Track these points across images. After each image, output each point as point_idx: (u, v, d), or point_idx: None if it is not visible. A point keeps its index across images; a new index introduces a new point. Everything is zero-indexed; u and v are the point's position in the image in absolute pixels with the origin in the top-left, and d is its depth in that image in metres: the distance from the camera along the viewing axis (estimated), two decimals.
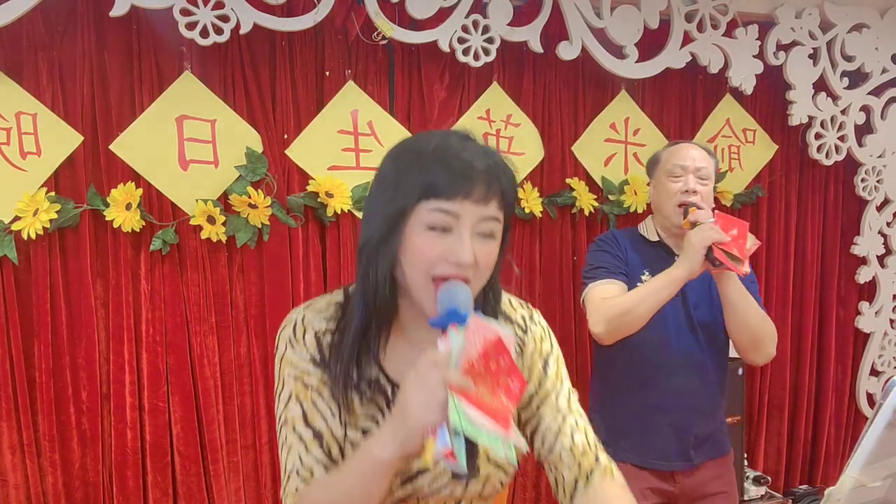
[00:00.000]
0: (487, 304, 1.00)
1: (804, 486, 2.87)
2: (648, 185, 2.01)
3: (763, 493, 2.67)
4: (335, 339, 0.97)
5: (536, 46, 2.23)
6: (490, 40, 2.17)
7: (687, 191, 1.83)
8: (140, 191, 1.95)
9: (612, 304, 1.76)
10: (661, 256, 1.88)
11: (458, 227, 0.89)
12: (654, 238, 1.93)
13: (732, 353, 1.93)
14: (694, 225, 1.74)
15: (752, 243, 1.73)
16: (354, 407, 0.97)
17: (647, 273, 1.86)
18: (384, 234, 0.91)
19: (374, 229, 0.92)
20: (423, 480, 0.98)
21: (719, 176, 2.60)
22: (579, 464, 1.05)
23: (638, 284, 1.83)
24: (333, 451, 0.96)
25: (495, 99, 2.30)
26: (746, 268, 1.69)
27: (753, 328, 1.79)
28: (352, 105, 2.14)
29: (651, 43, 2.40)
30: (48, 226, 1.87)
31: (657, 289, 1.71)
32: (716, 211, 1.78)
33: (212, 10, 1.88)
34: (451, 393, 0.80)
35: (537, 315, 1.12)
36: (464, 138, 0.94)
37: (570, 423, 1.06)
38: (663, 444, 1.87)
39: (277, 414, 1.01)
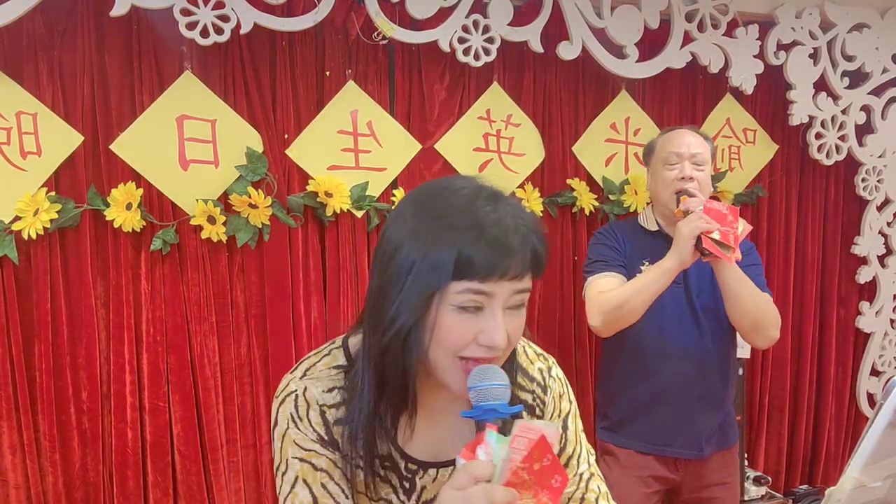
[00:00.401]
0: (505, 369, 0.86)
1: (804, 487, 2.87)
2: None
3: (763, 493, 2.67)
4: (344, 415, 0.88)
5: (537, 46, 2.23)
6: (490, 40, 2.17)
7: (683, 178, 1.83)
8: (140, 191, 1.95)
9: (607, 298, 1.79)
10: (660, 245, 1.87)
11: (489, 305, 0.81)
12: (654, 227, 1.94)
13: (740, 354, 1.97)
14: (686, 214, 1.75)
15: (742, 228, 1.73)
16: (365, 490, 0.90)
17: (646, 263, 1.87)
18: (412, 307, 0.81)
19: (396, 299, 0.82)
20: None
21: (719, 175, 2.60)
22: None
23: (637, 275, 1.84)
24: None
25: (495, 99, 2.30)
26: (738, 254, 1.70)
27: (753, 313, 1.79)
28: (352, 105, 2.14)
29: (651, 43, 2.40)
30: (48, 226, 1.87)
31: (650, 281, 1.73)
32: (706, 200, 1.78)
33: (212, 9, 1.88)
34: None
35: (555, 368, 1.05)
36: (494, 199, 0.83)
37: (592, 488, 1.01)
38: (668, 433, 1.88)
39: (281, 494, 0.91)
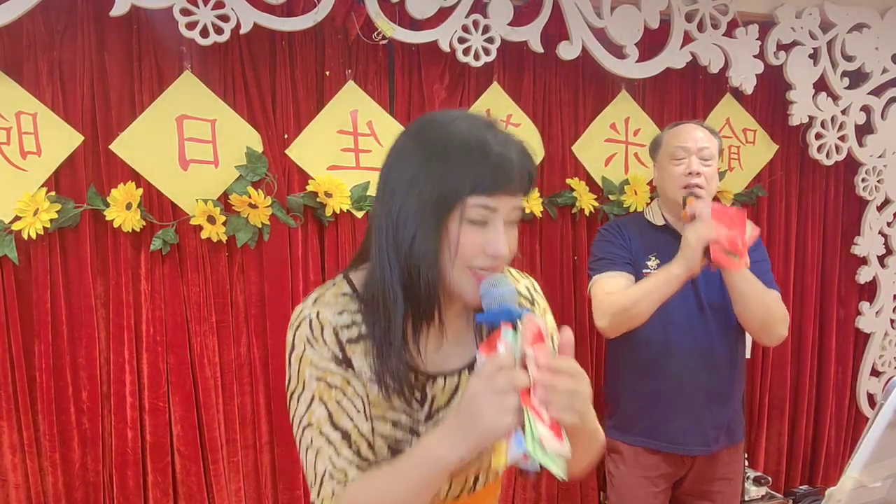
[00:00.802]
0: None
1: (805, 487, 2.87)
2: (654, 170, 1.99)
3: (763, 493, 2.67)
4: (361, 333, 0.96)
5: (537, 46, 2.23)
6: (490, 40, 2.17)
7: (690, 173, 1.81)
8: (140, 190, 1.95)
9: (614, 301, 1.78)
10: (667, 240, 1.87)
11: (493, 219, 0.92)
12: (660, 222, 1.92)
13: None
14: (692, 217, 1.73)
15: (750, 232, 1.70)
16: (380, 401, 0.96)
17: (653, 258, 1.86)
18: (430, 227, 0.90)
19: (414, 222, 0.91)
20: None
21: (720, 175, 2.60)
22: None
23: (644, 272, 1.84)
24: (363, 449, 0.95)
25: (495, 99, 2.30)
26: (746, 261, 1.68)
27: (761, 313, 1.78)
28: (352, 105, 2.14)
29: (651, 43, 2.40)
30: (48, 225, 1.87)
31: (658, 285, 1.71)
32: (713, 204, 1.76)
33: (212, 9, 1.88)
34: (523, 403, 0.81)
35: (536, 284, 1.16)
36: (490, 126, 0.95)
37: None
38: (676, 430, 1.87)
39: (297, 415, 0.96)
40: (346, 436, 0.94)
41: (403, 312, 0.94)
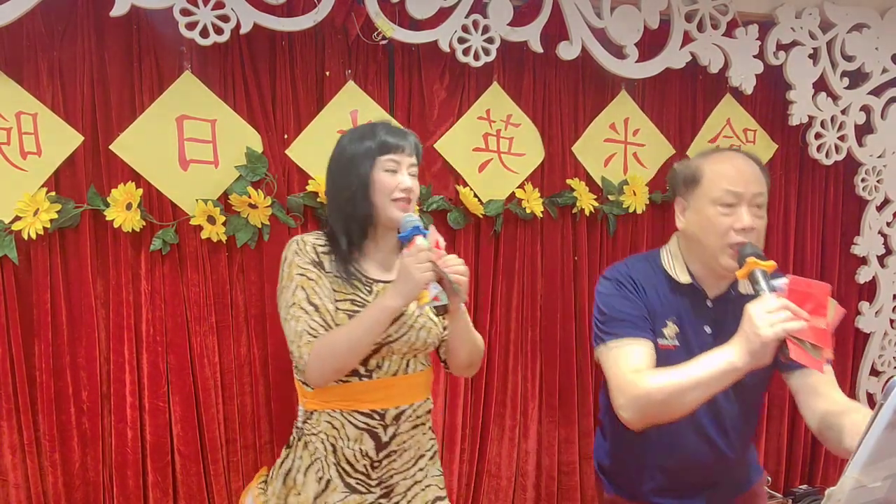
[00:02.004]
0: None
1: (804, 486, 2.87)
2: (675, 204, 1.57)
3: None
4: (330, 250, 1.53)
5: (536, 46, 2.24)
6: (490, 40, 2.17)
7: (743, 228, 1.43)
8: (140, 191, 1.95)
9: (643, 392, 1.36)
10: (691, 303, 1.52)
11: (400, 169, 1.51)
12: (686, 279, 1.53)
13: None
14: (753, 282, 1.34)
15: (833, 314, 1.28)
16: (344, 290, 1.50)
17: (671, 323, 1.52)
18: (365, 179, 1.50)
19: (355, 177, 1.50)
20: (391, 329, 1.48)
21: None
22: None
23: (659, 343, 1.49)
24: (328, 319, 1.47)
25: (495, 99, 2.30)
26: (829, 354, 1.25)
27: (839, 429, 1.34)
28: (352, 105, 2.14)
29: (651, 43, 2.40)
30: (48, 226, 1.87)
31: (706, 378, 1.30)
32: (790, 276, 1.33)
33: (212, 10, 1.88)
34: (438, 261, 1.39)
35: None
36: (388, 123, 1.58)
37: None
38: (691, 496, 1.58)
39: (284, 300, 1.50)
40: (317, 309, 1.47)
41: (348, 236, 1.52)
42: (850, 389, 2.95)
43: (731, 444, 1.56)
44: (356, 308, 1.49)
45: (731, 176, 1.46)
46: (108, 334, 1.99)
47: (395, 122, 1.55)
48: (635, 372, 1.40)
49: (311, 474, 1.54)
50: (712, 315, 1.53)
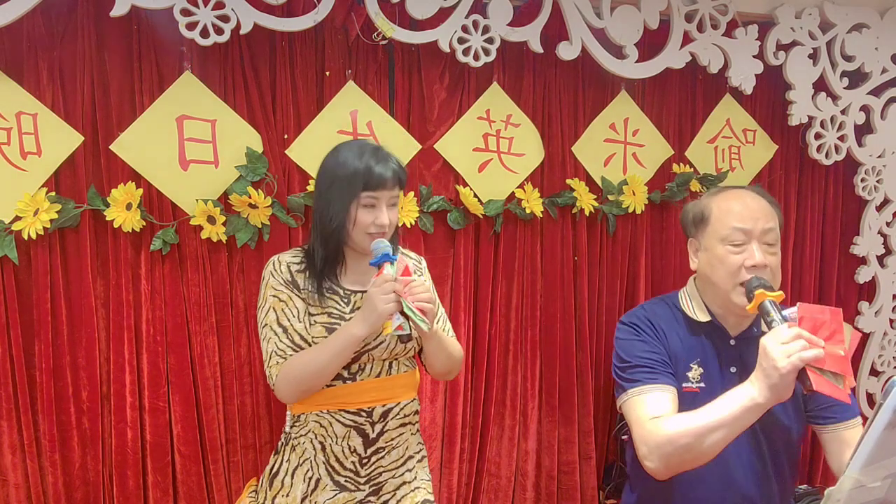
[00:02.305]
0: (393, 244, 1.61)
1: (804, 486, 2.87)
2: (689, 245, 1.58)
3: None
4: (305, 267, 1.60)
5: (536, 46, 2.24)
6: (490, 40, 2.18)
7: (755, 265, 1.40)
8: (140, 191, 1.96)
9: (666, 439, 1.32)
10: (713, 342, 1.50)
11: (378, 204, 1.56)
12: (705, 318, 1.51)
13: None
14: (764, 314, 1.31)
15: (850, 340, 1.25)
16: (319, 305, 1.57)
17: (695, 366, 1.49)
18: (342, 214, 1.55)
19: (335, 211, 1.55)
20: (368, 338, 1.54)
21: (720, 176, 2.60)
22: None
23: (685, 387, 1.45)
24: (296, 339, 1.55)
25: (495, 99, 2.30)
26: (851, 381, 1.21)
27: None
28: (352, 105, 2.14)
29: (651, 43, 2.40)
30: (48, 226, 1.87)
31: (729, 419, 1.25)
32: (799, 304, 1.28)
33: (212, 10, 1.88)
34: (401, 295, 1.45)
35: (423, 262, 1.81)
36: (374, 149, 1.59)
37: (448, 329, 1.74)
38: None
39: (260, 319, 1.59)
40: (286, 330, 1.55)
41: (323, 258, 1.59)
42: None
43: (761, 498, 1.49)
44: (333, 321, 1.57)
45: (738, 213, 1.44)
46: (108, 334, 1.99)
47: (383, 147, 1.61)
48: (655, 419, 1.36)
49: (298, 475, 1.61)
50: (736, 355, 1.49)
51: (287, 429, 1.65)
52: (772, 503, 1.49)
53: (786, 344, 1.19)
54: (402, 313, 1.46)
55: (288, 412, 1.67)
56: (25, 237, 1.85)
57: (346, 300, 1.60)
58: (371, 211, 1.55)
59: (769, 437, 1.46)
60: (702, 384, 1.46)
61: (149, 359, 2.01)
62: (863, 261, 2.85)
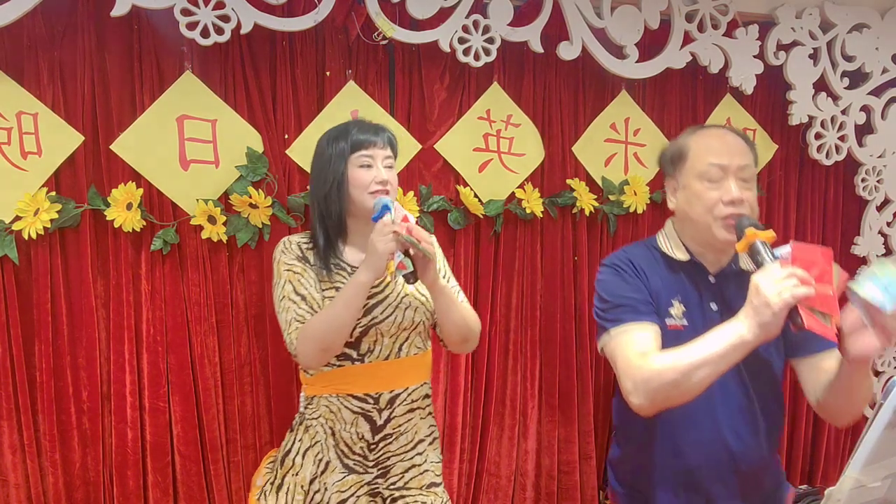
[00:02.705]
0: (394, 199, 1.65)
1: (804, 486, 2.87)
2: (664, 187, 1.59)
3: None
4: (313, 246, 1.64)
5: (537, 46, 2.24)
6: (490, 40, 2.18)
7: (732, 201, 1.40)
8: (141, 191, 1.96)
9: (653, 373, 1.32)
10: (693, 280, 1.49)
11: (374, 163, 1.61)
12: (684, 256, 1.50)
13: None
14: (753, 255, 1.31)
15: (838, 280, 1.23)
16: (328, 280, 1.61)
17: (677, 303, 1.47)
18: (339, 177, 1.60)
19: (331, 175, 1.60)
20: (377, 311, 1.59)
21: None
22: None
23: (667, 323, 1.45)
24: (314, 306, 1.58)
25: (496, 99, 2.30)
26: (838, 321, 1.22)
27: (864, 407, 1.44)
28: (352, 105, 2.13)
29: (651, 43, 2.40)
30: (49, 226, 1.87)
31: (716, 355, 1.25)
32: (793, 242, 1.28)
33: (212, 10, 1.89)
34: (402, 232, 1.48)
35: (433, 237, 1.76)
36: (360, 121, 1.68)
37: (461, 296, 1.73)
38: None
39: (276, 294, 1.61)
40: (304, 298, 1.58)
41: (326, 231, 1.64)
42: None
43: (752, 443, 1.49)
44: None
45: (716, 149, 1.44)
46: (109, 334, 1.99)
47: (369, 119, 1.69)
48: (642, 355, 1.35)
49: (308, 456, 1.64)
50: (717, 291, 1.49)
51: (301, 409, 1.69)
52: (760, 441, 1.50)
53: (778, 282, 1.19)
54: (405, 254, 1.49)
55: (302, 393, 1.70)
56: (26, 237, 1.85)
57: (349, 273, 1.63)
58: (368, 170, 1.59)
59: (752, 372, 1.46)
60: (685, 321, 1.45)
61: (149, 359, 2.01)
62: (863, 261, 2.85)
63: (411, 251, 1.50)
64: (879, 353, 1.20)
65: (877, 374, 2.94)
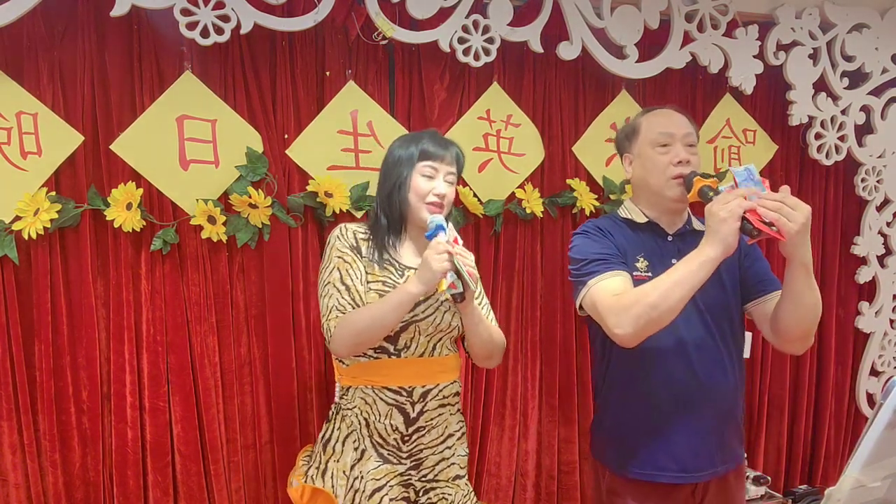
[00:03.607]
0: (449, 218, 1.70)
1: (804, 486, 2.87)
2: (622, 163, 1.78)
3: (763, 493, 2.67)
4: (369, 237, 1.70)
5: (537, 46, 2.24)
6: (490, 40, 2.18)
7: (680, 161, 1.62)
8: (140, 191, 1.95)
9: (633, 300, 1.48)
10: (653, 239, 1.67)
11: (437, 175, 1.68)
12: (642, 219, 1.70)
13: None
14: (704, 196, 1.51)
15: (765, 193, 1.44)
16: (376, 273, 1.66)
17: (641, 259, 1.65)
18: (402, 181, 1.67)
19: (395, 177, 1.68)
20: (419, 309, 1.64)
21: (720, 175, 2.60)
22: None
23: (635, 273, 1.62)
24: (356, 299, 1.63)
25: (496, 99, 2.30)
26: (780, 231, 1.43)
27: (811, 321, 1.55)
28: (352, 105, 2.14)
29: (651, 43, 2.40)
30: (49, 225, 1.87)
31: (687, 274, 1.43)
32: (730, 168, 1.56)
33: (212, 10, 1.88)
34: (453, 255, 1.54)
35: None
36: (435, 133, 1.74)
37: (491, 316, 1.83)
38: (680, 450, 1.64)
39: (323, 278, 1.67)
40: (348, 288, 1.64)
41: (386, 228, 1.70)
42: (850, 389, 2.95)
43: (719, 376, 1.66)
44: (386, 289, 1.65)
45: (664, 121, 1.71)
46: (108, 334, 1.99)
47: (439, 134, 1.75)
48: (621, 293, 1.53)
49: (349, 444, 1.71)
50: (675, 249, 1.67)
51: (337, 399, 1.76)
52: (727, 377, 1.67)
53: (726, 201, 1.41)
54: (456, 273, 1.55)
55: (337, 384, 1.75)
56: (25, 237, 1.85)
57: (400, 273, 1.68)
58: (429, 181, 1.66)
59: (713, 314, 1.65)
60: (650, 273, 1.61)
61: (149, 359, 2.01)
62: (863, 261, 2.85)
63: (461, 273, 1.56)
64: (792, 242, 1.43)
65: (877, 374, 2.94)
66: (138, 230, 1.95)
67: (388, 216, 1.70)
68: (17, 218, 1.85)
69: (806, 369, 2.84)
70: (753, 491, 2.64)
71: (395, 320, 1.58)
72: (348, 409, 1.72)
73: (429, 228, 1.61)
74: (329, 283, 1.65)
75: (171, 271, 2.02)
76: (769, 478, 2.72)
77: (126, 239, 1.97)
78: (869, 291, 2.90)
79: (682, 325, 1.60)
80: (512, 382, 2.44)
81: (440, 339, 1.71)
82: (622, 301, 1.50)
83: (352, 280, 1.64)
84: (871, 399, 2.94)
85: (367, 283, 1.65)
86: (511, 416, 2.44)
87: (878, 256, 2.85)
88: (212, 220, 2.01)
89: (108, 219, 1.93)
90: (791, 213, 1.39)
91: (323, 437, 1.76)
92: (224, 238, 2.03)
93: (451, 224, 1.64)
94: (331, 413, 1.78)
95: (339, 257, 1.66)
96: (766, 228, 1.40)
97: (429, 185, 1.66)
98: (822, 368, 2.90)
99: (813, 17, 2.53)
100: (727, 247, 1.41)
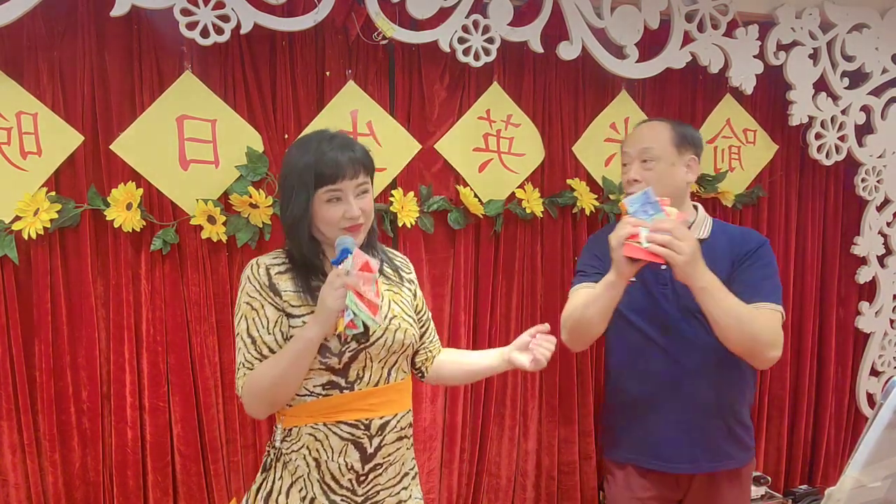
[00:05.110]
0: (369, 239, 1.52)
1: (804, 486, 2.87)
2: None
3: (763, 493, 2.67)
4: (287, 269, 1.47)
5: (537, 46, 2.24)
6: (490, 40, 2.18)
7: (630, 180, 1.75)
8: (140, 191, 1.95)
9: (567, 314, 1.74)
10: None
11: (345, 196, 1.41)
12: None
13: None
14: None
15: (673, 215, 1.55)
16: (309, 303, 1.43)
17: None
18: (301, 213, 1.41)
19: (295, 211, 1.42)
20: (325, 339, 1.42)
21: (719, 176, 2.60)
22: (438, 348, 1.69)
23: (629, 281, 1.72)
24: (264, 351, 1.44)
25: (495, 99, 2.30)
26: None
27: (740, 340, 1.60)
28: (352, 105, 2.14)
29: (651, 43, 2.40)
30: (48, 225, 1.87)
31: (597, 295, 1.65)
32: (624, 199, 1.62)
33: (212, 9, 1.88)
34: (349, 291, 1.33)
35: (409, 263, 1.68)
36: (330, 139, 1.43)
37: (433, 327, 1.68)
38: (667, 442, 1.75)
39: (235, 326, 1.48)
40: (254, 341, 1.44)
41: (301, 256, 1.46)
42: (850, 389, 2.95)
43: (694, 367, 1.74)
44: None
45: (628, 139, 1.84)
46: (108, 334, 1.99)
47: (338, 134, 1.46)
48: (567, 307, 1.77)
49: (293, 494, 1.47)
50: None
51: (276, 443, 1.50)
52: (709, 373, 1.74)
53: (615, 232, 1.57)
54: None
55: (278, 425, 1.50)
56: (25, 237, 1.85)
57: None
58: (338, 205, 1.41)
59: (700, 313, 1.68)
60: (633, 278, 1.67)
61: (149, 359, 2.01)
62: (863, 261, 2.85)
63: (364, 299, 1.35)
64: (684, 272, 1.55)
65: (877, 374, 2.94)
66: (138, 230, 1.95)
67: (297, 246, 1.46)
68: (17, 218, 1.85)
69: (806, 369, 2.84)
70: (754, 491, 2.64)
71: (300, 372, 1.39)
72: (293, 451, 1.47)
73: (335, 254, 1.40)
74: (238, 334, 1.46)
75: (171, 271, 2.02)
76: (769, 478, 2.72)
77: (126, 239, 1.97)
78: (869, 291, 2.90)
79: (675, 323, 1.74)
80: (512, 382, 2.44)
81: (395, 363, 1.50)
82: (564, 314, 1.77)
83: (258, 331, 1.43)
84: (871, 399, 2.94)
85: (297, 317, 1.43)
86: (511, 416, 2.44)
87: (878, 256, 2.85)
88: (212, 220, 2.01)
89: (108, 219, 1.93)
90: (679, 246, 1.51)
91: (259, 491, 1.51)
92: (224, 238, 2.03)
93: (357, 250, 1.39)
94: (267, 461, 1.52)
95: (246, 303, 1.44)
96: (644, 254, 1.54)
97: (337, 210, 1.41)
98: (822, 368, 2.90)
99: (813, 17, 2.53)
100: (619, 273, 1.58)
